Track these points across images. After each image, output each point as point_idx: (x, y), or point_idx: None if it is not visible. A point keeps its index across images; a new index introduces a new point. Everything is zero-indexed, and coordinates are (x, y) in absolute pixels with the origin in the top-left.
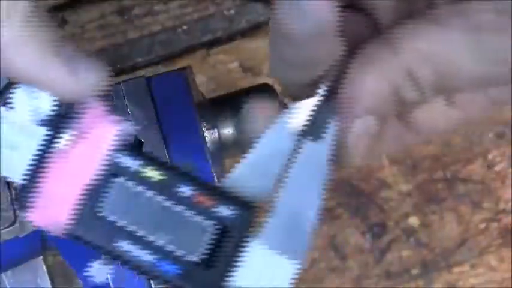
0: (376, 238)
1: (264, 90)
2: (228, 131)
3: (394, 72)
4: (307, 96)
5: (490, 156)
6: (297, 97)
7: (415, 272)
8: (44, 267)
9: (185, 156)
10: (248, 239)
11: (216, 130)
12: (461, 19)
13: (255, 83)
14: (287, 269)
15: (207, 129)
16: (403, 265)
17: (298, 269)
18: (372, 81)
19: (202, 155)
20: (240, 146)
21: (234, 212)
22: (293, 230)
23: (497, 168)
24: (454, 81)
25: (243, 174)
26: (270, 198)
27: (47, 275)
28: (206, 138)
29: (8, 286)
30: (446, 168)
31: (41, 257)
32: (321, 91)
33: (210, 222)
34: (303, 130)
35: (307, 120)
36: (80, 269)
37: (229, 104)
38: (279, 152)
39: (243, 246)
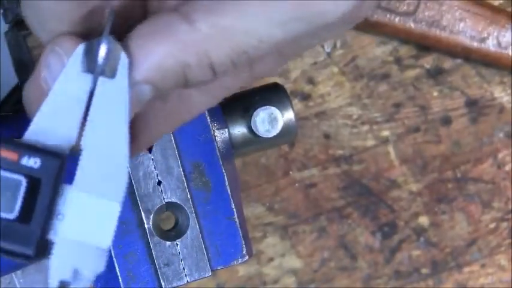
0: (386, 238)
1: (274, 89)
2: (238, 130)
3: (186, 50)
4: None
5: (500, 156)
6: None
7: (425, 271)
8: None
9: (195, 156)
10: (61, 187)
11: (226, 130)
12: None
13: (265, 83)
14: (108, 210)
15: (217, 129)
16: (413, 265)
17: (120, 208)
18: (159, 54)
19: (213, 155)
20: (250, 145)
21: (41, 162)
22: (106, 171)
23: (507, 167)
24: (255, 53)
25: (44, 123)
26: (76, 143)
27: None
28: (216, 138)
29: (18, 286)
30: (457, 168)
31: None
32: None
33: (18, 176)
34: (95, 69)
35: (98, 59)
36: None
37: (239, 103)
38: (75, 96)
39: (58, 195)
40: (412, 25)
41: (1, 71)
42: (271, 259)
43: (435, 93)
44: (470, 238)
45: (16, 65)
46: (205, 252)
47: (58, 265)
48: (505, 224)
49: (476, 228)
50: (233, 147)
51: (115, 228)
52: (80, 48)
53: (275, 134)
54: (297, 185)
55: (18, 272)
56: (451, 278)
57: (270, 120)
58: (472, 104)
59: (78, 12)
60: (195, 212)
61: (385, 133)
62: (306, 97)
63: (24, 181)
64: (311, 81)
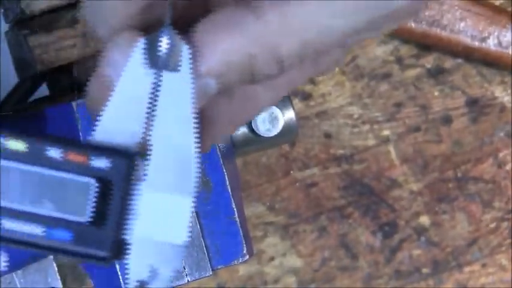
0: (386, 237)
1: None
2: (238, 130)
3: (253, 43)
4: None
5: (500, 155)
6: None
7: (425, 271)
8: (55, 266)
9: None
10: (133, 186)
11: None
12: None
13: None
14: (181, 206)
15: None
16: (413, 264)
17: (193, 203)
18: (226, 46)
19: (213, 154)
20: (251, 145)
21: (110, 162)
22: (176, 166)
23: (507, 167)
24: (322, 46)
25: (110, 122)
26: (144, 140)
27: (57, 275)
28: None
29: (18, 286)
30: (457, 168)
31: (52, 256)
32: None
33: (89, 179)
34: (158, 63)
35: (160, 52)
36: (91, 269)
37: None
38: (139, 91)
39: (130, 195)
40: (413, 24)
41: (1, 71)
42: (271, 258)
43: (436, 93)
44: (471, 238)
45: (17, 64)
46: (205, 251)
47: (135, 265)
48: (505, 224)
49: (477, 227)
50: (234, 146)
51: (189, 223)
52: (141, 42)
53: (276, 133)
54: (297, 184)
55: (19, 271)
56: (451, 278)
57: (270, 120)
58: (472, 103)
59: (139, 5)
60: (195, 212)
61: (386, 133)
62: (306, 96)
63: (94, 183)
64: (312, 80)
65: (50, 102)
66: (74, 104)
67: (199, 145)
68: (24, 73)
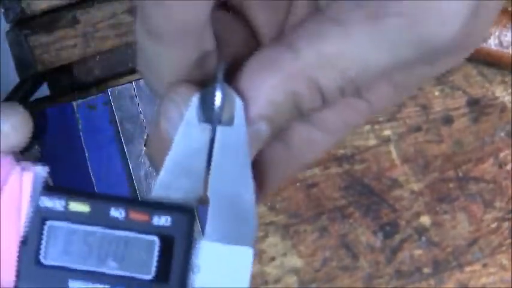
0: (387, 237)
1: None
2: None
3: (293, 80)
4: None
5: (501, 155)
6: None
7: (426, 271)
8: None
9: None
10: (195, 241)
11: None
12: (359, 12)
13: None
14: (242, 256)
15: None
16: (414, 264)
17: (254, 252)
18: (269, 88)
19: None
20: None
21: (171, 219)
22: (235, 217)
23: (508, 167)
24: (362, 79)
25: (169, 180)
26: (203, 195)
27: None
28: None
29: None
30: (458, 168)
31: None
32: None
33: (152, 237)
34: (213, 118)
35: (214, 107)
36: None
37: None
38: (196, 147)
39: (192, 250)
40: None
41: (1, 71)
42: (272, 258)
43: (437, 93)
44: (472, 238)
45: (17, 64)
46: None
47: None
48: (506, 224)
49: (477, 227)
50: None
51: (250, 272)
52: (196, 97)
53: None
54: (298, 184)
55: None
56: (452, 278)
57: None
58: (473, 103)
59: (192, 60)
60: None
61: (387, 132)
62: None
63: (157, 241)
64: None
65: (50, 102)
66: (74, 104)
67: (255, 194)
68: (24, 73)
